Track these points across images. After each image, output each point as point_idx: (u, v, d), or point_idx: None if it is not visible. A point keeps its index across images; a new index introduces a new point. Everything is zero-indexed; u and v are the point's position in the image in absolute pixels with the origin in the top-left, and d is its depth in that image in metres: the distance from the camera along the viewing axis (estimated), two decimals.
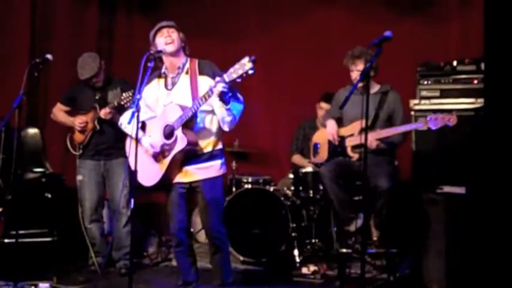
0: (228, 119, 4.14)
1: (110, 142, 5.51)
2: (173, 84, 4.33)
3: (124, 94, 5.18)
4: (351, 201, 5.25)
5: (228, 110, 4.07)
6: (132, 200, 4.09)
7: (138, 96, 3.92)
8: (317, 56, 7.06)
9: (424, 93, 5.84)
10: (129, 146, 4.45)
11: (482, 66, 5.49)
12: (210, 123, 4.28)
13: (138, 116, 3.95)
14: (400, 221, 5.26)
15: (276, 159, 7.19)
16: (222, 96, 3.97)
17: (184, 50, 4.37)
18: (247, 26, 7.46)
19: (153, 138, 4.31)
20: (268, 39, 7.34)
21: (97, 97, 5.52)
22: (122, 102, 5.16)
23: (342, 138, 5.37)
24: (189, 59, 4.36)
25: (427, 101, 5.78)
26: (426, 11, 6.82)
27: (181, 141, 4.12)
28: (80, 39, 7.14)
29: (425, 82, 5.86)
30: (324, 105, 6.24)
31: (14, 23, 6.63)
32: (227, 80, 3.87)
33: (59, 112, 5.69)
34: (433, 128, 4.89)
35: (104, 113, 5.35)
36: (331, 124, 5.45)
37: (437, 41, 6.68)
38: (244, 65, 3.82)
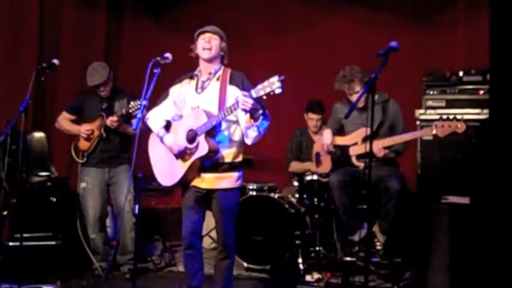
0: (253, 134, 4.14)
1: (115, 150, 5.55)
2: (203, 88, 4.30)
3: (132, 103, 5.21)
4: (357, 210, 5.24)
5: (256, 126, 4.08)
6: (137, 206, 4.10)
7: (144, 103, 3.94)
8: (324, 64, 7.05)
9: (429, 103, 5.85)
10: (152, 142, 4.49)
11: (488, 76, 5.49)
12: (233, 133, 4.27)
13: (143, 122, 3.97)
14: (405, 231, 5.25)
15: (280, 166, 7.15)
16: (252, 113, 3.99)
17: (223, 59, 4.35)
18: (255, 34, 7.47)
19: (178, 138, 4.30)
20: (276, 46, 7.36)
21: (104, 106, 5.54)
22: (130, 111, 5.19)
23: (345, 148, 5.36)
24: (223, 67, 4.34)
25: (432, 111, 5.79)
26: (432, 20, 6.83)
27: (202, 148, 4.11)
28: (87, 44, 7.18)
29: (431, 92, 5.87)
30: (312, 116, 6.34)
31: (22, 28, 6.65)
32: (254, 96, 3.88)
33: (64, 120, 5.71)
34: (441, 135, 4.86)
35: (111, 120, 5.37)
36: (327, 134, 5.44)
37: (443, 51, 6.67)
38: (273, 83, 3.86)
